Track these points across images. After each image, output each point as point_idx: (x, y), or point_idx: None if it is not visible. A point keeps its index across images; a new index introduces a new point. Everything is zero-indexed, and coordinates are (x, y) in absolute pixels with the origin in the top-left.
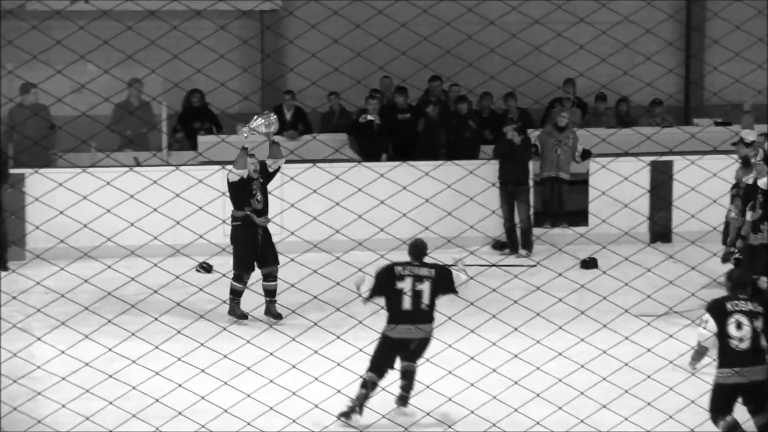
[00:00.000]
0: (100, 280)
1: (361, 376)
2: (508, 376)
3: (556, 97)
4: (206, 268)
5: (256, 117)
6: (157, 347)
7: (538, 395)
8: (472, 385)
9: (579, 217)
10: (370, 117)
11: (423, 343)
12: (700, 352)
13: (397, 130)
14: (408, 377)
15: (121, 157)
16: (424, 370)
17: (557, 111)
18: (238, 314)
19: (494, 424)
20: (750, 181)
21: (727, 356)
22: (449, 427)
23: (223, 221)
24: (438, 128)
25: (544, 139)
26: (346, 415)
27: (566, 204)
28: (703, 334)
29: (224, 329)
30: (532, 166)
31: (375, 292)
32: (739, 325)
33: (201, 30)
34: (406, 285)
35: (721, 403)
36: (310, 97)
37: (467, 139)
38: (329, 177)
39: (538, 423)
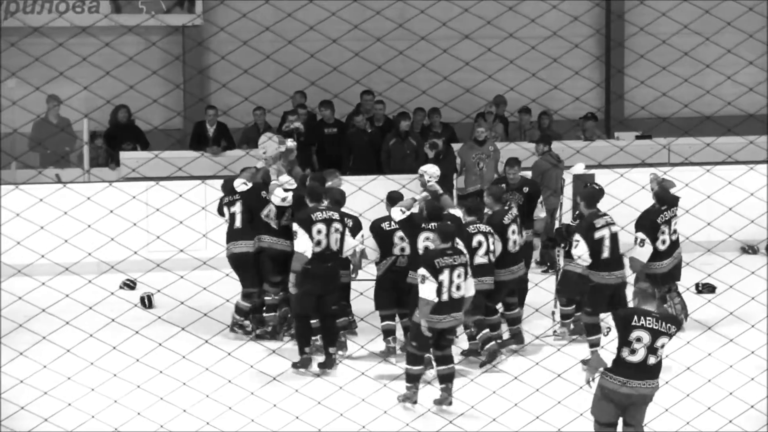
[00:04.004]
0: (33, 297)
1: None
2: None
3: (479, 112)
4: (130, 285)
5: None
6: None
7: None
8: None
9: None
10: (294, 125)
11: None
12: None
13: (324, 144)
14: None
15: (43, 174)
16: None
17: (475, 126)
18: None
19: None
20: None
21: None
22: None
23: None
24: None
25: (465, 153)
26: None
27: None
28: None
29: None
30: (457, 181)
31: None
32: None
33: (125, 46)
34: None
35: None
36: (238, 113)
37: (407, 156)
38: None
39: None
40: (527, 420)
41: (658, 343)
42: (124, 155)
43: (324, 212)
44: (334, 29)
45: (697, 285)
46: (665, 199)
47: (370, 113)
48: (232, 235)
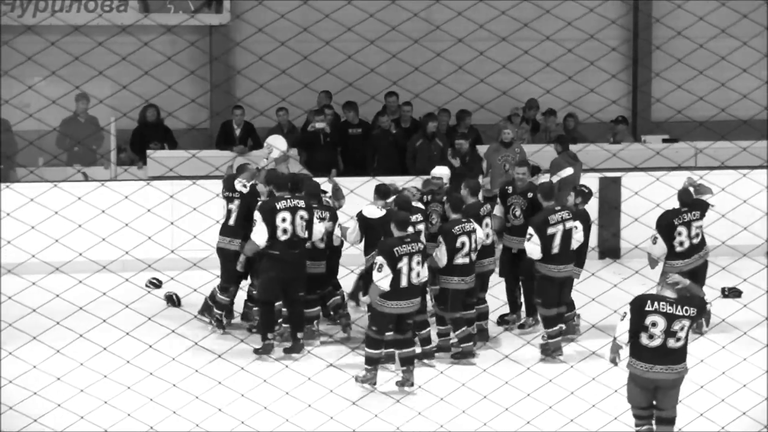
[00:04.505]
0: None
1: None
2: None
3: (507, 114)
4: (155, 283)
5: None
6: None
7: None
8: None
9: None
10: (318, 125)
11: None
12: None
13: (348, 144)
14: None
15: (69, 172)
16: None
17: (501, 127)
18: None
19: None
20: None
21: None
22: None
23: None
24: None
25: (491, 155)
26: None
27: None
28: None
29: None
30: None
31: None
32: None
33: (153, 44)
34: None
35: None
36: (267, 113)
37: (433, 157)
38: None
39: None
40: (562, 422)
41: (676, 326)
42: (151, 154)
43: (289, 201)
44: (364, 29)
45: (723, 289)
46: (686, 201)
47: (395, 114)
48: (225, 230)
